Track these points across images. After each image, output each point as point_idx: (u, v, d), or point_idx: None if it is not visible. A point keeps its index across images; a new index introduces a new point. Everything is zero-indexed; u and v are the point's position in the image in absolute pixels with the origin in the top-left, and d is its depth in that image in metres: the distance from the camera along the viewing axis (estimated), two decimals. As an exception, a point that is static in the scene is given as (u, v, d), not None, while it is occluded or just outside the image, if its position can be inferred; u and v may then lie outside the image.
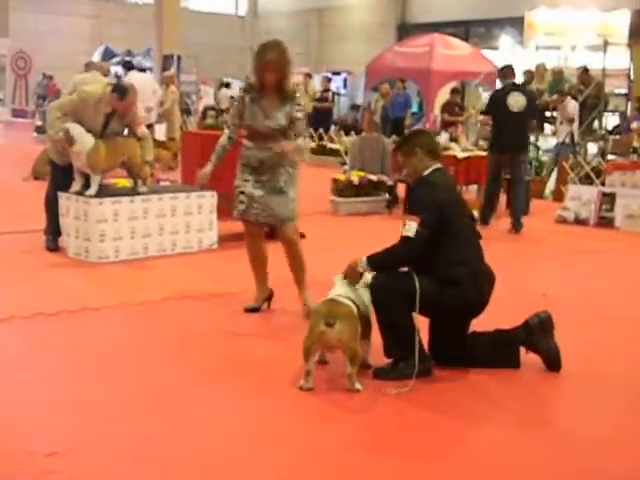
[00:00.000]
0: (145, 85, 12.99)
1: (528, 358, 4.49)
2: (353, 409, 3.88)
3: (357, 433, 3.67)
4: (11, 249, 6.89)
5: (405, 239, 4.19)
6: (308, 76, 19.45)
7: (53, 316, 5.10)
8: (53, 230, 7.08)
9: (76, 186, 6.88)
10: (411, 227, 4.17)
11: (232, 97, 20.20)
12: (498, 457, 3.44)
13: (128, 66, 13.85)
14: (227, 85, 21.15)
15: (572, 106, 12.61)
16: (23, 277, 6.00)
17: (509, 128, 9.18)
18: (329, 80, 19.36)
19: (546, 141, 13.70)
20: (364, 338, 4.18)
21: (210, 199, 7.32)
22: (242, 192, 5.24)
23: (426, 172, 4.37)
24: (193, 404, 3.83)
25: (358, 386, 3.99)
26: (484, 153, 9.90)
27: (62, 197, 6.89)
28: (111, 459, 3.23)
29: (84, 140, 6.59)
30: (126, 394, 3.93)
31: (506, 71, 9.66)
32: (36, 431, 3.47)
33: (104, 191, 6.86)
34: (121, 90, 6.69)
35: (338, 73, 23.97)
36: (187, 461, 3.23)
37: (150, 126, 12.74)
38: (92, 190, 6.69)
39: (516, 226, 9.19)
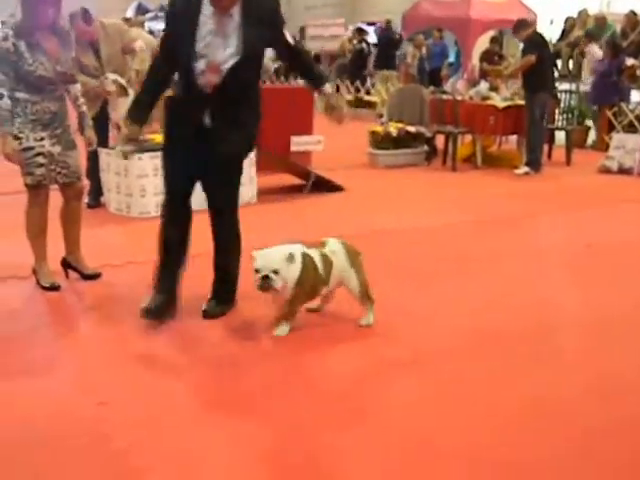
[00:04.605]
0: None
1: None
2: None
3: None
4: (50, 206, 6.92)
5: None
6: (343, 27, 19.22)
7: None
8: (94, 189, 7.08)
9: (114, 140, 6.89)
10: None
11: None
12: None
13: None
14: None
15: (594, 51, 12.53)
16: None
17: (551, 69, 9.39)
18: (361, 31, 19.01)
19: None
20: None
21: (249, 153, 7.28)
22: (40, 153, 4.63)
23: None
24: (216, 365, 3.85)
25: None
26: (523, 102, 9.70)
27: (102, 152, 6.89)
28: (156, 410, 3.28)
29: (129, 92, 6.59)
30: (170, 350, 3.98)
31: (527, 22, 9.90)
32: (87, 383, 3.54)
33: (143, 146, 6.85)
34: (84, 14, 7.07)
35: (373, 24, 23.60)
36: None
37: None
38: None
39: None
